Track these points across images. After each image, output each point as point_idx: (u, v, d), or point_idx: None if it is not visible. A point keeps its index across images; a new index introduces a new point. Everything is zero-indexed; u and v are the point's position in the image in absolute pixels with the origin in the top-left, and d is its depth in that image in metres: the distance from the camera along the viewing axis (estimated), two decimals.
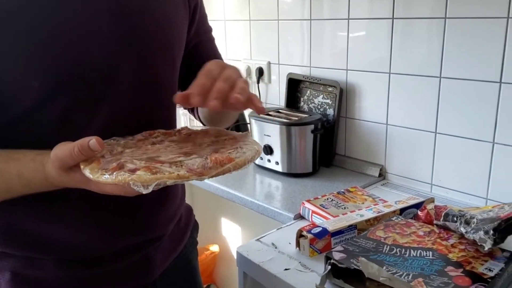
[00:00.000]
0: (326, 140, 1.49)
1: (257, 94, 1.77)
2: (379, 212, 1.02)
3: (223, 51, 1.88)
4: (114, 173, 0.53)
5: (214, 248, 2.00)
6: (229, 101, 0.59)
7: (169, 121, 0.81)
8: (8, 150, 0.61)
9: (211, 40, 0.91)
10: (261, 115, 1.48)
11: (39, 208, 0.67)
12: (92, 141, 0.54)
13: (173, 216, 0.84)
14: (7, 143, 0.62)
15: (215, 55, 0.91)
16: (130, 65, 0.68)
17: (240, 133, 0.71)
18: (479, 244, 0.79)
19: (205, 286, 2.03)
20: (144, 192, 0.52)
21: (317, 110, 1.57)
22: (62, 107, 0.63)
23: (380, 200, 1.13)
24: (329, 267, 0.79)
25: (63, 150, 0.56)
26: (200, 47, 0.87)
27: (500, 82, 1.09)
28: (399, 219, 0.97)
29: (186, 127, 0.75)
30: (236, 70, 0.64)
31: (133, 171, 0.52)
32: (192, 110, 0.95)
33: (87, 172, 0.55)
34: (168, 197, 0.81)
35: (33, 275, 0.70)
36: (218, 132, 0.72)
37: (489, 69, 1.10)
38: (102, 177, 0.53)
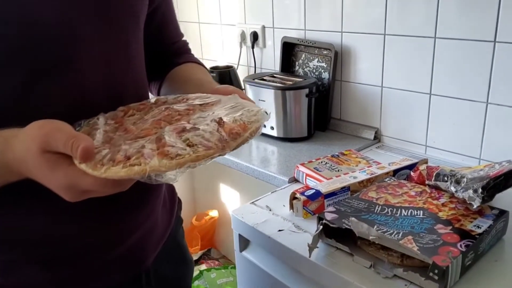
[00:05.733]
0: (322, 104, 1.49)
1: (252, 60, 1.76)
2: (372, 174, 1.03)
3: (217, 15, 1.85)
4: (122, 164, 0.45)
5: (214, 213, 2.03)
6: None
7: (141, 88, 0.73)
8: None
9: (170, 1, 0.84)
10: (256, 80, 1.47)
11: (13, 205, 0.60)
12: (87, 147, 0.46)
13: (159, 200, 0.79)
14: None
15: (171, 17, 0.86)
16: (91, 27, 0.62)
17: (228, 96, 0.63)
18: (468, 202, 0.80)
19: (205, 250, 2.08)
20: (171, 182, 0.45)
21: (312, 74, 1.56)
22: (24, 72, 0.57)
23: (373, 162, 1.14)
24: (321, 227, 0.80)
25: (57, 131, 0.48)
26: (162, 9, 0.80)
27: (494, 41, 1.07)
28: (392, 180, 0.98)
29: (157, 97, 0.66)
30: None
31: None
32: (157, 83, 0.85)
33: (85, 167, 0.45)
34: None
35: (16, 283, 0.64)
36: (198, 96, 0.63)
37: (483, 28, 1.09)
38: (110, 171, 0.44)
